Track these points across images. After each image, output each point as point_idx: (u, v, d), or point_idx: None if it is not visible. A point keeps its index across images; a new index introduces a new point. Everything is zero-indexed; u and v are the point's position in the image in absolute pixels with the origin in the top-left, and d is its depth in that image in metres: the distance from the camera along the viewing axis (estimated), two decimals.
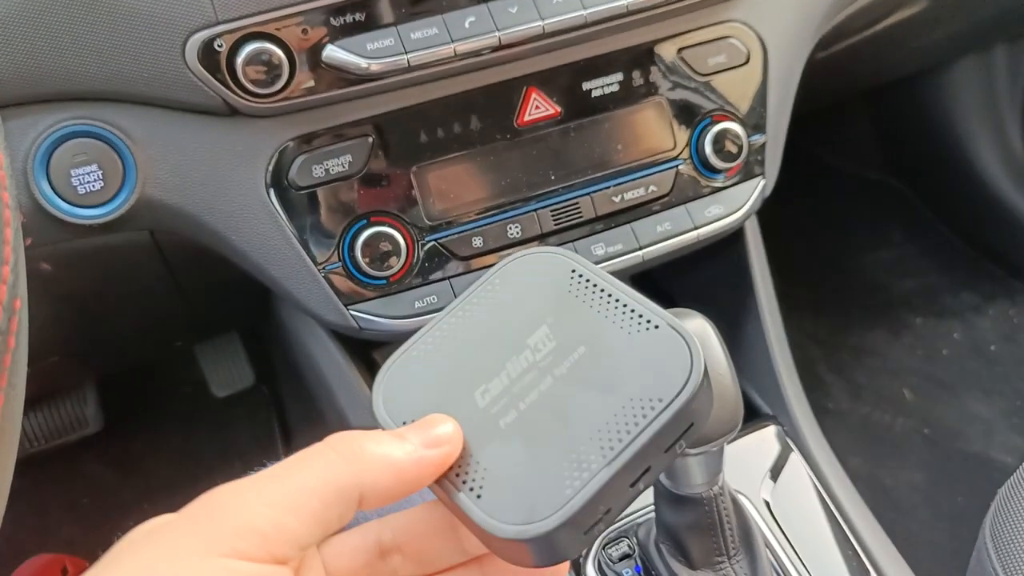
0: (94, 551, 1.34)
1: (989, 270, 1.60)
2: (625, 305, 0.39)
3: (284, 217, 0.72)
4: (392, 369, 0.41)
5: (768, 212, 0.89)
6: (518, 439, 0.37)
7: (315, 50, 0.69)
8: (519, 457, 0.37)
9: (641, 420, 0.36)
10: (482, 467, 0.37)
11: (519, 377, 0.38)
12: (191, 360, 1.37)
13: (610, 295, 0.40)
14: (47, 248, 0.71)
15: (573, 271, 0.41)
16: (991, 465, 1.34)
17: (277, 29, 0.68)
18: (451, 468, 0.37)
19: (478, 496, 0.36)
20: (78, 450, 1.34)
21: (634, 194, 0.80)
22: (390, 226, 0.74)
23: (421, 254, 0.76)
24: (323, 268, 0.74)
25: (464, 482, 0.37)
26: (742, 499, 0.78)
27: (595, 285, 0.40)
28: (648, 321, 0.38)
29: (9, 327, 0.30)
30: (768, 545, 0.78)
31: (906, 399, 1.44)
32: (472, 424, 0.38)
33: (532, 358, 0.39)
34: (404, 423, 0.39)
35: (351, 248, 0.74)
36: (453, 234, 0.76)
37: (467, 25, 0.71)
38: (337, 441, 0.35)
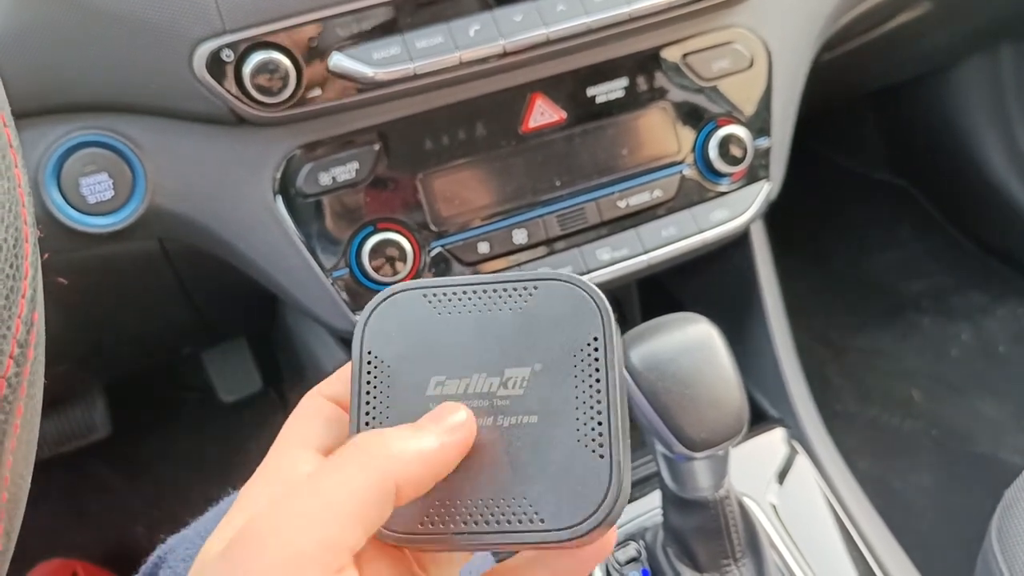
0: (103, 556, 1.34)
1: (997, 270, 1.59)
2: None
3: (291, 225, 0.73)
4: (398, 297, 0.39)
5: (776, 214, 0.89)
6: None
7: (322, 59, 0.69)
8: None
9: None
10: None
11: (472, 396, 0.37)
12: (199, 365, 1.38)
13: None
14: (59, 257, 0.72)
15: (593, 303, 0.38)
16: (1000, 467, 1.33)
17: (284, 38, 0.68)
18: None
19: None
20: (87, 455, 1.34)
21: (639, 199, 0.81)
22: (397, 232, 0.75)
23: (427, 260, 0.76)
24: (330, 275, 0.74)
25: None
26: (749, 502, 0.78)
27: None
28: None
29: (29, 340, 0.31)
30: (775, 548, 0.78)
31: (915, 401, 1.43)
32: (410, 407, 0.37)
33: (493, 389, 0.37)
34: (372, 357, 0.38)
35: (358, 255, 0.74)
36: (459, 240, 0.77)
37: (472, 33, 0.72)
38: (366, 442, 0.35)
